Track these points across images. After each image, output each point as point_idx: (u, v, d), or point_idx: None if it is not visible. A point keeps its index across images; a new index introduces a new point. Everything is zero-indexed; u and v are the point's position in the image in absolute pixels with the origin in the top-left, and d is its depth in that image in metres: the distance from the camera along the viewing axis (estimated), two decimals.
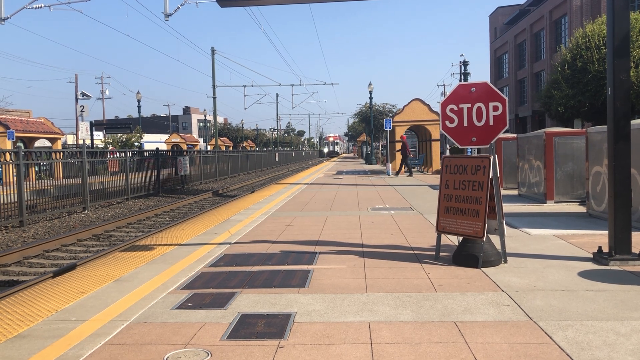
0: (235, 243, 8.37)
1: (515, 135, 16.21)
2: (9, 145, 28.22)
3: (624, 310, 4.66)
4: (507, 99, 6.74)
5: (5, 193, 15.08)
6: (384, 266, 6.58)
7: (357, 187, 19.82)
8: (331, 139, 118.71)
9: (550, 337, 4.08)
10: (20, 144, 31.00)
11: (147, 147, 49.59)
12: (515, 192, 15.04)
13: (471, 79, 49.05)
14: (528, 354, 3.77)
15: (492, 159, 6.40)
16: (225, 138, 77.22)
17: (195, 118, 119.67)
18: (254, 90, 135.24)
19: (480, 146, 6.81)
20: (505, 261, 6.54)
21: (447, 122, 6.86)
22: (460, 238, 6.71)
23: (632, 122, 7.86)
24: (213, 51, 47.80)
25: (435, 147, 29.66)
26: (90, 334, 4.41)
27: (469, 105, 6.72)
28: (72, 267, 8.52)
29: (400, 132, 29.44)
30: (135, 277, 6.34)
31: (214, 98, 48.06)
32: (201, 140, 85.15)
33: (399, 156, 29.37)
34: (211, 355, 3.89)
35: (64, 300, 5.43)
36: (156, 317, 4.80)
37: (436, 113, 27.97)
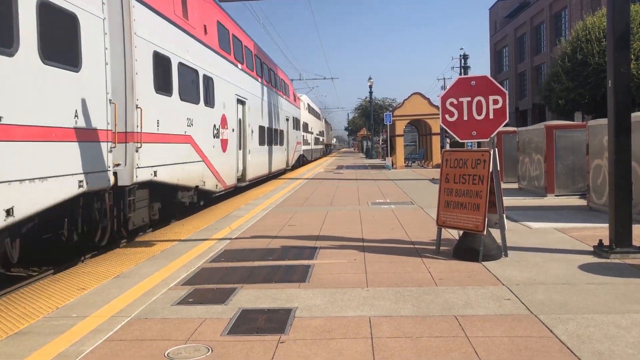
0: (235, 239, 8.37)
1: (515, 129, 16.19)
2: None
3: (625, 304, 4.66)
4: (507, 92, 6.72)
5: None
6: (384, 261, 6.57)
7: (357, 181, 19.80)
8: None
9: (551, 331, 4.08)
10: None
11: None
12: (515, 185, 15.04)
13: (471, 73, 48.95)
14: (529, 348, 3.77)
15: (492, 152, 6.39)
16: None
17: None
18: None
19: (481, 140, 6.80)
20: (506, 255, 6.53)
21: (447, 116, 6.84)
22: (461, 232, 6.71)
23: (633, 114, 7.83)
24: None
25: (436, 141, 29.61)
26: (91, 330, 4.41)
27: (469, 98, 6.70)
28: (72, 264, 8.51)
29: (400, 126, 29.41)
30: (136, 273, 6.34)
31: None
32: None
33: (400, 150, 29.35)
34: (212, 351, 3.89)
35: (65, 297, 5.43)
36: (157, 313, 4.80)
37: (436, 107, 27.88)
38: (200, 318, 4.63)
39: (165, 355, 3.85)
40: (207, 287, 5.60)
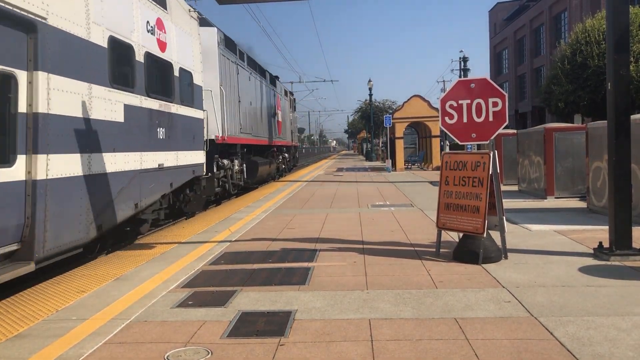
0: (235, 241, 8.36)
1: (515, 131, 16.19)
2: None
3: (625, 306, 4.65)
4: (506, 94, 6.73)
5: None
6: (384, 263, 6.57)
7: (357, 184, 19.80)
8: None
9: (551, 333, 4.07)
10: None
11: None
12: (515, 188, 15.03)
13: (471, 75, 48.96)
14: (529, 350, 3.77)
15: (492, 155, 6.39)
16: None
17: None
18: None
19: (480, 142, 6.80)
20: (506, 257, 6.53)
21: (446, 119, 6.84)
22: (461, 234, 6.70)
23: (632, 116, 7.83)
24: None
25: (435, 144, 29.64)
26: (90, 333, 4.40)
27: (469, 101, 6.70)
28: (72, 267, 8.51)
29: (400, 128, 29.43)
30: (136, 275, 6.33)
31: None
32: None
33: (400, 153, 29.37)
34: (212, 354, 3.89)
35: (65, 300, 5.42)
36: (156, 316, 4.80)
37: (436, 109, 27.91)
38: (200, 321, 4.62)
39: (165, 358, 3.85)
40: (206, 289, 5.60)
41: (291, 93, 33.40)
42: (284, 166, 28.22)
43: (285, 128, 28.32)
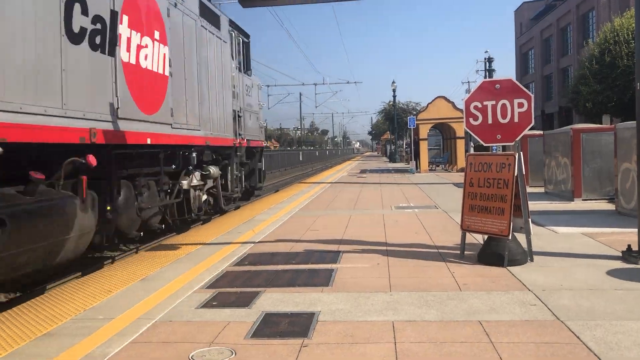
0: (259, 242, 8.41)
1: (541, 132, 15.97)
2: None
3: None
4: (532, 95, 6.65)
5: None
6: (408, 265, 6.54)
7: (380, 185, 19.75)
8: None
9: (578, 337, 4.01)
10: None
11: None
12: (541, 189, 14.82)
13: (496, 76, 48.43)
14: (555, 354, 3.71)
15: (517, 156, 6.31)
16: None
17: None
18: (277, 90, 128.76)
19: (505, 143, 6.72)
20: (532, 260, 6.44)
21: (471, 120, 6.78)
22: (486, 236, 6.64)
23: None
24: None
25: (460, 145, 29.39)
26: (116, 332, 4.47)
27: (494, 102, 6.63)
28: (99, 267, 8.66)
29: (424, 130, 29.29)
30: (161, 276, 6.41)
31: None
32: None
33: (424, 154, 29.24)
34: (235, 354, 3.92)
35: (92, 299, 5.51)
36: (181, 316, 4.85)
37: (460, 110, 27.69)
38: (224, 321, 4.66)
39: (190, 357, 3.89)
40: (230, 290, 5.64)
41: (244, 33, 15.27)
42: (198, 204, 11.70)
43: (211, 98, 11.86)
